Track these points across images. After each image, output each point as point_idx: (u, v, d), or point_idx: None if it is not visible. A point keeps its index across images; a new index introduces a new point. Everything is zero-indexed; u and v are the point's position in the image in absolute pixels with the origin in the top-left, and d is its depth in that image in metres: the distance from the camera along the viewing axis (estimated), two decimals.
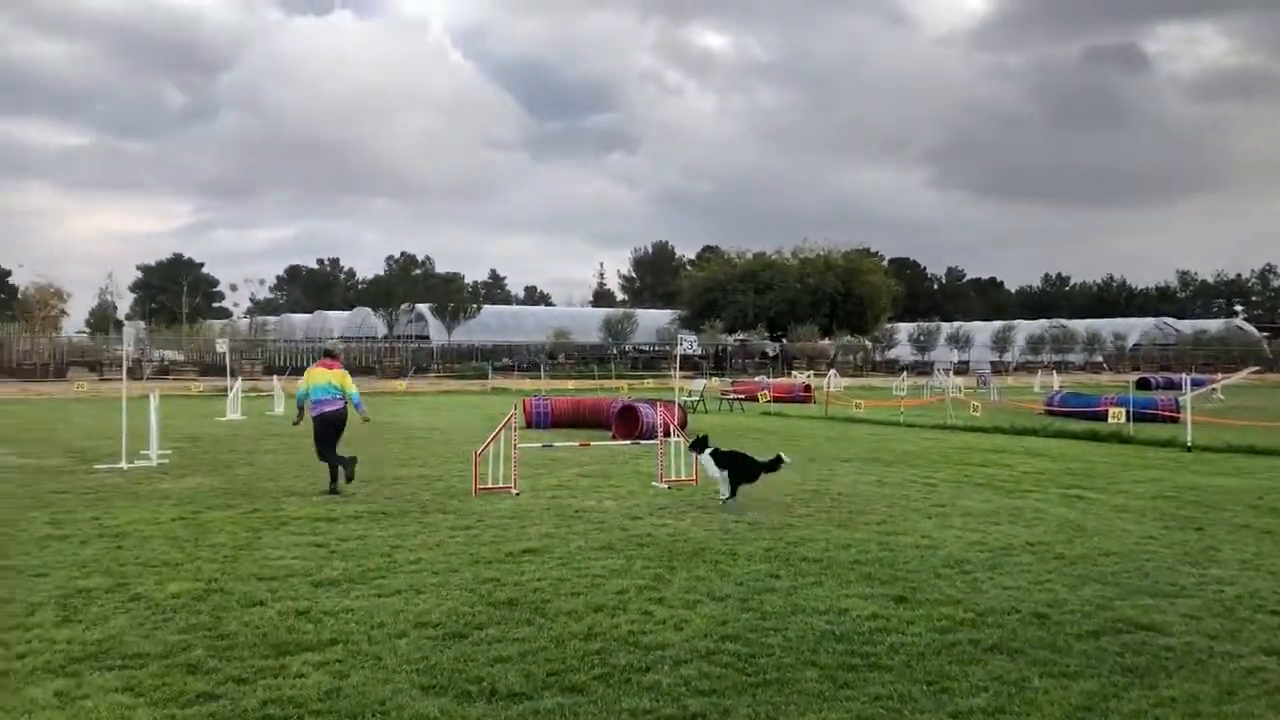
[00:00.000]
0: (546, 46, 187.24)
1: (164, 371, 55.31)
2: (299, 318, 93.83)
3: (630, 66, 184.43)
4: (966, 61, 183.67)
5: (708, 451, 11.66)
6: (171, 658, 5.76)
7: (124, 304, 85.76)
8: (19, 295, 75.36)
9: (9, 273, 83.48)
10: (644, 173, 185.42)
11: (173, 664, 5.66)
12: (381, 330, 73.03)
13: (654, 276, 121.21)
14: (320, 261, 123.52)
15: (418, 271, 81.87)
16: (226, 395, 27.70)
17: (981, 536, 9.72)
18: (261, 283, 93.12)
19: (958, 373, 49.66)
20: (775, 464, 11.46)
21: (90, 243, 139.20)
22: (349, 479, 12.32)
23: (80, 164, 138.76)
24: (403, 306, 71.18)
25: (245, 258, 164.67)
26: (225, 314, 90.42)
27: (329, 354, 13.68)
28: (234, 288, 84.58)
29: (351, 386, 12.78)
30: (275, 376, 37.37)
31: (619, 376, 54.34)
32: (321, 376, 12.73)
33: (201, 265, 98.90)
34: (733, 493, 11.35)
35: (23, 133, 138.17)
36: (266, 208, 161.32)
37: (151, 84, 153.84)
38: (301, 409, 12.80)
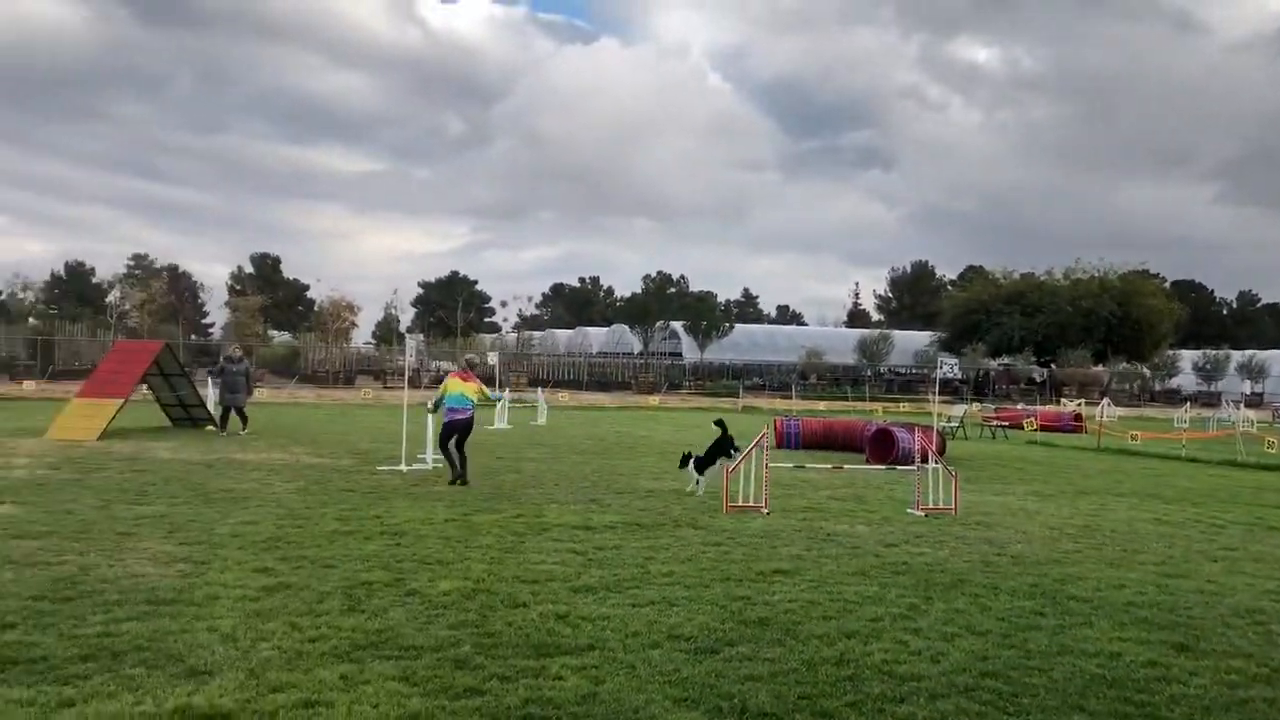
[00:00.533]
0: (804, 65, 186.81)
1: (439, 381, 59.00)
2: (561, 333, 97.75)
3: (889, 83, 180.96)
4: (1266, 68, 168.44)
5: (691, 464, 14.19)
6: (442, 651, 6.12)
7: (405, 317, 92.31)
8: (315, 308, 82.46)
9: (307, 287, 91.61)
10: (901, 190, 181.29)
11: (443, 658, 6.00)
12: (637, 346, 74.91)
13: (911, 296, 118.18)
14: (582, 279, 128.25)
15: (673, 290, 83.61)
16: (495, 405, 29.20)
17: (1279, 585, 8.85)
18: (530, 299, 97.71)
19: (1249, 405, 45.45)
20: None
21: (378, 261, 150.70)
22: (463, 478, 14.16)
23: (371, 188, 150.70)
24: (658, 324, 72.75)
25: (514, 276, 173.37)
26: (495, 328, 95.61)
27: (469, 365, 15.58)
28: (504, 304, 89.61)
29: (486, 392, 15.00)
30: (539, 389, 39.07)
31: (873, 399, 53.24)
32: (456, 387, 14.65)
33: (475, 282, 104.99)
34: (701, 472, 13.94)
35: (324, 159, 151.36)
36: (534, 229, 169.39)
37: (436, 114, 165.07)
38: (437, 407, 14.90)
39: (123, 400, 21.07)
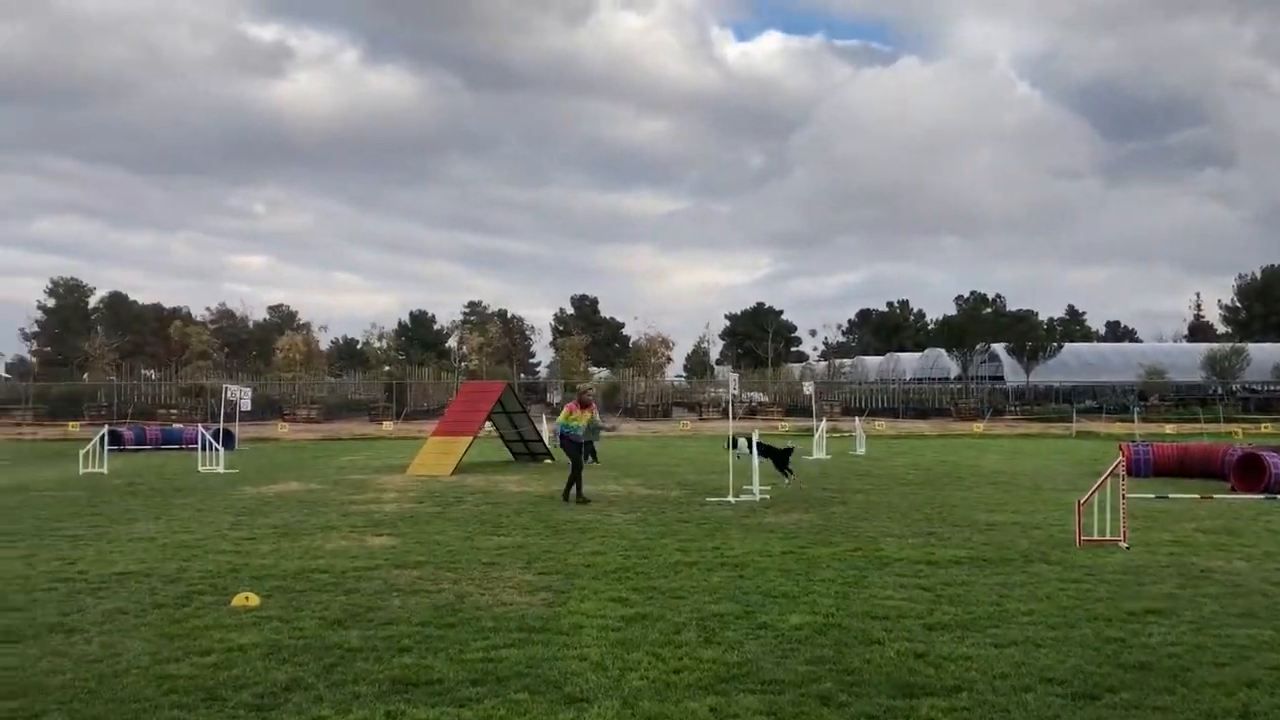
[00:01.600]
0: (1121, 63, 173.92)
1: (752, 412, 59.44)
2: (872, 360, 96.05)
3: (1222, 73, 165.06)
4: None
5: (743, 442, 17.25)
6: (805, 687, 6.09)
7: (715, 350, 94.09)
8: (631, 344, 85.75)
9: (623, 324, 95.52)
10: (1244, 189, 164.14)
11: (807, 693, 5.97)
12: (954, 371, 72.22)
13: (1264, 305, 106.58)
14: (890, 304, 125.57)
15: (989, 310, 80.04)
16: (812, 435, 29.06)
17: None
18: (837, 327, 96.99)
19: None
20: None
21: (687, 295, 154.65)
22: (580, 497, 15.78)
23: (677, 226, 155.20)
24: (976, 346, 69.82)
25: (819, 303, 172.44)
26: (802, 357, 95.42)
27: (583, 398, 17.55)
28: (813, 333, 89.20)
29: (594, 419, 17.72)
30: (856, 418, 38.51)
31: (1228, 420, 48.37)
32: (568, 416, 16.95)
33: (781, 312, 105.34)
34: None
35: (634, 203, 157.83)
36: (836, 255, 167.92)
37: (735, 149, 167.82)
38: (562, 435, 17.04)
39: (472, 437, 22.76)
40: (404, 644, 7.05)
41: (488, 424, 25.58)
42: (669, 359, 75.48)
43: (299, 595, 8.73)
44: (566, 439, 16.85)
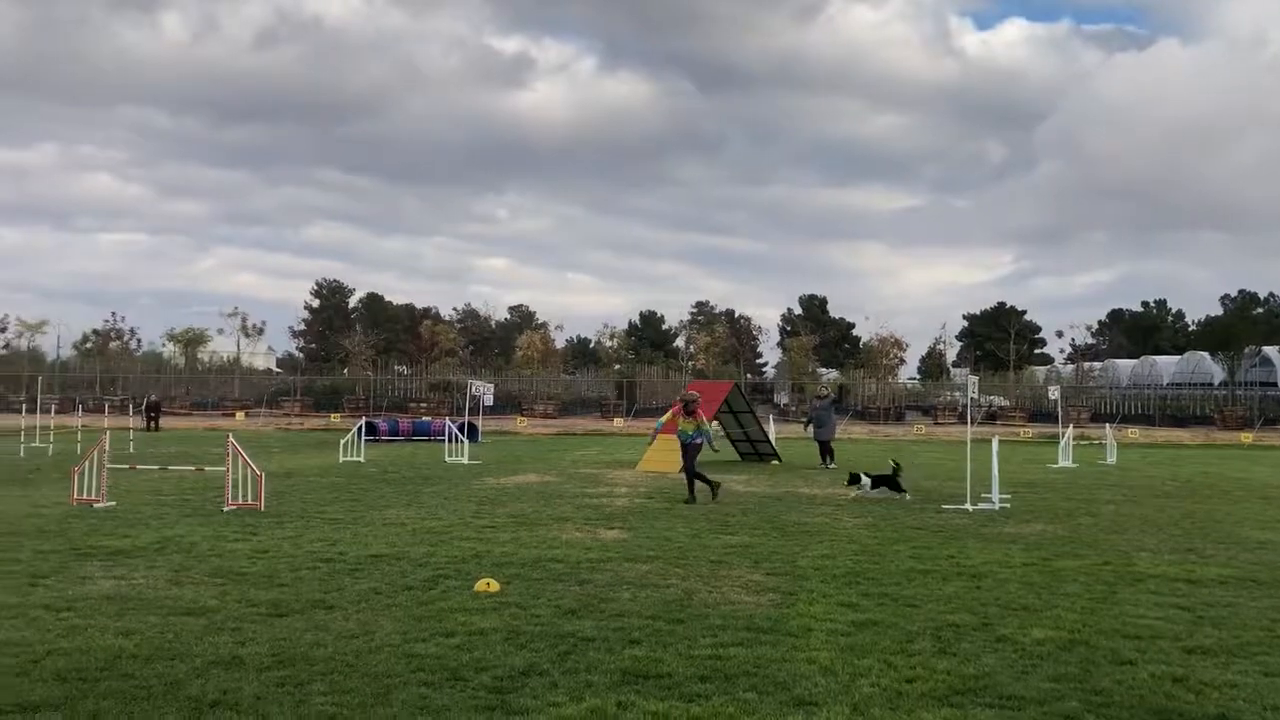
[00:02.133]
0: None
1: (992, 416, 57.13)
2: (1124, 363, 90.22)
3: None
4: None
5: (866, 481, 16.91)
6: (1046, 705, 5.78)
7: (951, 352, 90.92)
8: (861, 345, 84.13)
9: (853, 325, 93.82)
10: None
11: (1049, 712, 5.67)
12: (1219, 376, 66.85)
13: None
14: (1145, 304, 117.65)
15: (1259, 310, 73.61)
16: (1057, 442, 27.62)
17: None
18: (1086, 328, 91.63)
19: None
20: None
21: (921, 295, 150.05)
22: (713, 497, 15.97)
23: (912, 223, 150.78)
24: (1245, 349, 64.38)
25: (1065, 303, 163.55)
26: (1046, 360, 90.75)
27: (687, 403, 16.99)
28: (1059, 334, 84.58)
29: (704, 425, 16.87)
30: (1106, 424, 36.34)
31: None
32: (677, 420, 16.92)
33: (1023, 312, 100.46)
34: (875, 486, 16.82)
35: (865, 199, 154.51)
36: (1084, 252, 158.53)
37: (975, 143, 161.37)
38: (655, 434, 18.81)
39: None
40: (634, 636, 7.18)
41: (715, 423, 25.72)
42: (902, 360, 73.46)
43: (536, 583, 9.06)
44: (681, 443, 16.81)
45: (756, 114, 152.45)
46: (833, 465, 23.33)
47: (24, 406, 42.71)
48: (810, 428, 25.00)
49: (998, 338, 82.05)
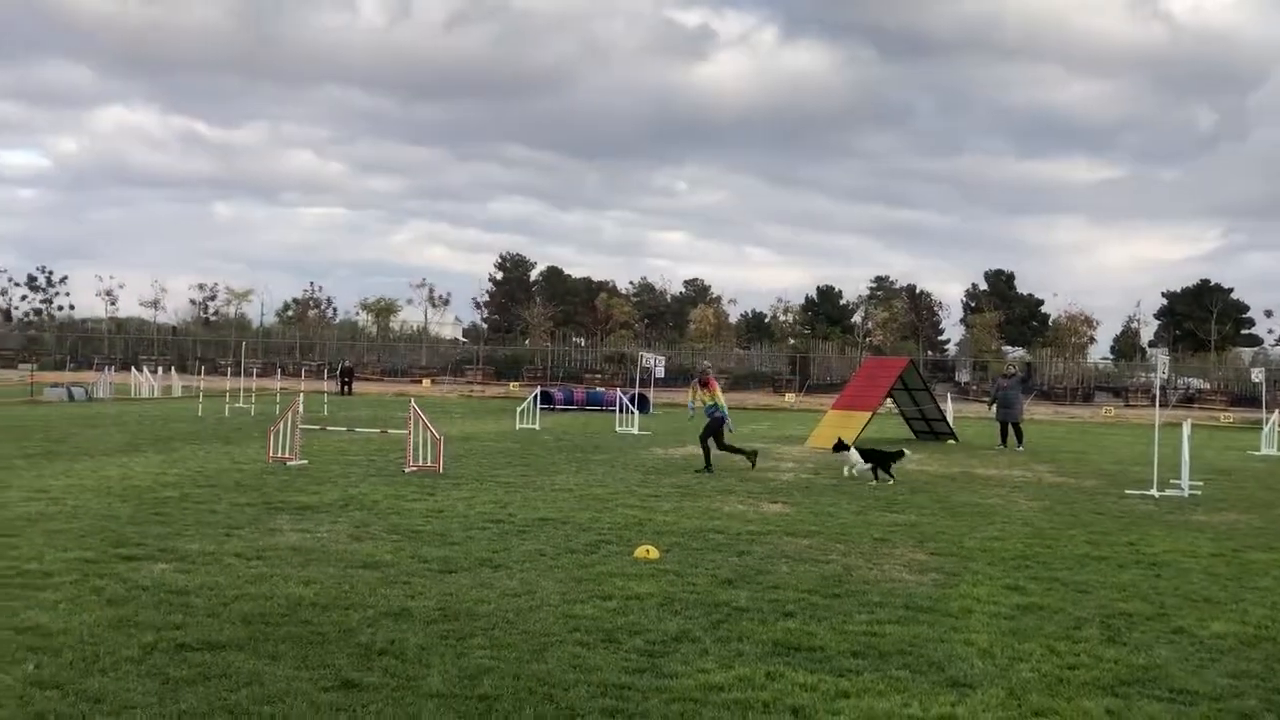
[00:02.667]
0: None
1: (1189, 400, 53.96)
2: None
3: None
4: None
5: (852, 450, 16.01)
6: (1222, 701, 5.48)
7: (1147, 331, 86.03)
8: (1050, 323, 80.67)
9: (1041, 302, 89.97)
10: None
11: (1224, 709, 5.37)
12: None
13: None
14: None
15: None
16: (1260, 428, 25.86)
17: None
18: None
19: None
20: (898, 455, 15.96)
21: (1118, 271, 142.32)
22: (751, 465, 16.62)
23: (1111, 196, 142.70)
24: None
25: (1277, 281, 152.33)
26: (1255, 341, 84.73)
27: (702, 377, 17.06)
28: (1268, 313, 78.78)
29: (720, 401, 16.76)
30: None
31: None
32: (697, 393, 17.08)
33: (1230, 290, 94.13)
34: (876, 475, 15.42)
35: (1061, 171, 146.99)
36: None
37: (1183, 110, 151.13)
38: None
39: (871, 413, 22.58)
40: (789, 609, 7.18)
41: (889, 401, 25.25)
42: (1092, 339, 70.22)
43: (695, 552, 9.15)
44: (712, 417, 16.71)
45: (945, 82, 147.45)
46: (1021, 449, 22.41)
47: (230, 369, 45.76)
48: (994, 407, 24.09)
49: (1199, 317, 77.15)
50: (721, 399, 16.86)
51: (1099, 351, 75.68)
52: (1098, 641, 6.60)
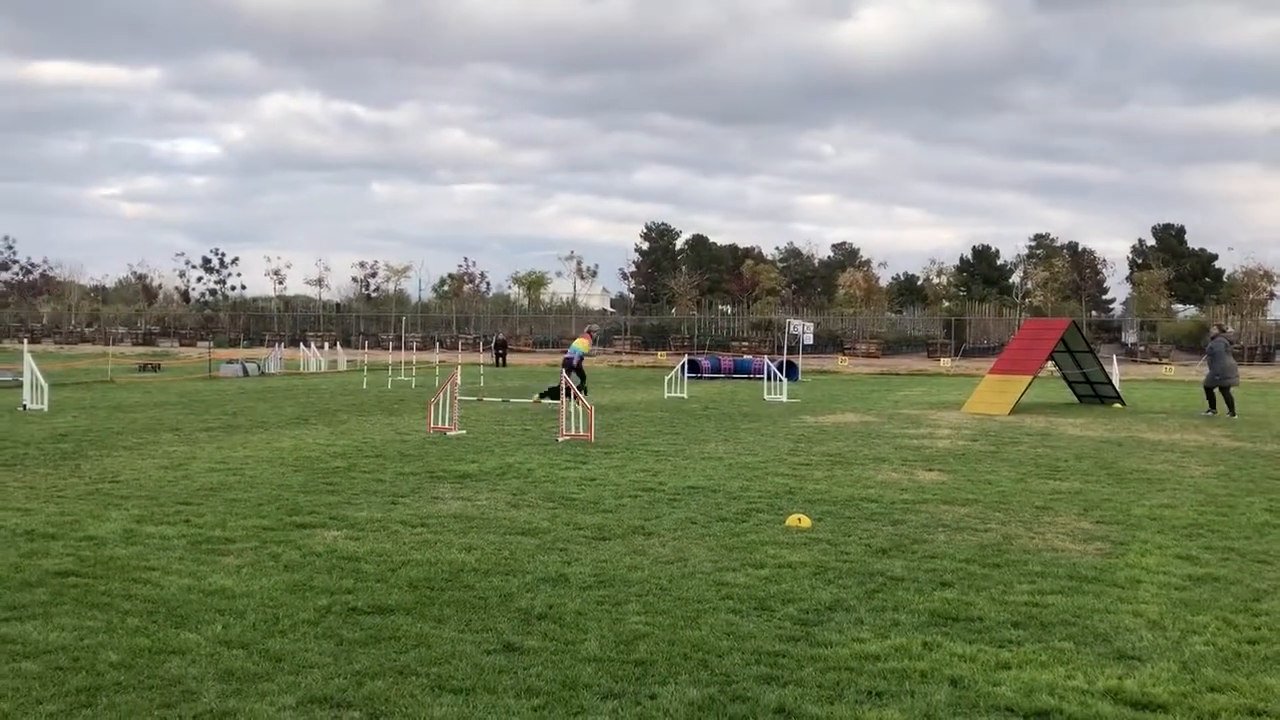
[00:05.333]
0: None
1: None
2: None
3: None
4: None
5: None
6: None
7: None
8: (1224, 279, 76.23)
9: (1215, 257, 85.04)
10: None
11: None
12: None
13: None
14: None
15: None
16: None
17: None
18: None
19: None
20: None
21: None
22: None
23: None
24: None
25: None
26: None
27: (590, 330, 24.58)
28: None
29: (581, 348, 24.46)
30: None
31: None
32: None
33: None
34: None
35: (1235, 116, 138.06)
36: None
37: None
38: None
39: (1032, 377, 21.84)
40: (946, 579, 7.05)
41: (1050, 363, 24.37)
42: (1272, 295, 65.88)
43: (847, 521, 9.07)
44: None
45: (1108, 29, 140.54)
46: (1234, 416, 20.38)
47: (391, 344, 47.47)
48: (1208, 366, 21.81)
49: None
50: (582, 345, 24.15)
51: None
52: None
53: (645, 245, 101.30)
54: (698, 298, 77.20)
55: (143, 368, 37.47)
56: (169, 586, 6.62)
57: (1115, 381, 25.19)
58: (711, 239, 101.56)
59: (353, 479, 11.19)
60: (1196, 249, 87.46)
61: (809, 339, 33.14)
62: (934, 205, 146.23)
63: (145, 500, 9.70)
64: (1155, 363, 49.66)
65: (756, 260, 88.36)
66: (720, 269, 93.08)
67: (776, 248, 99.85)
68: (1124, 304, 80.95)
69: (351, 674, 5.07)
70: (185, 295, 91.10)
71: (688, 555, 7.66)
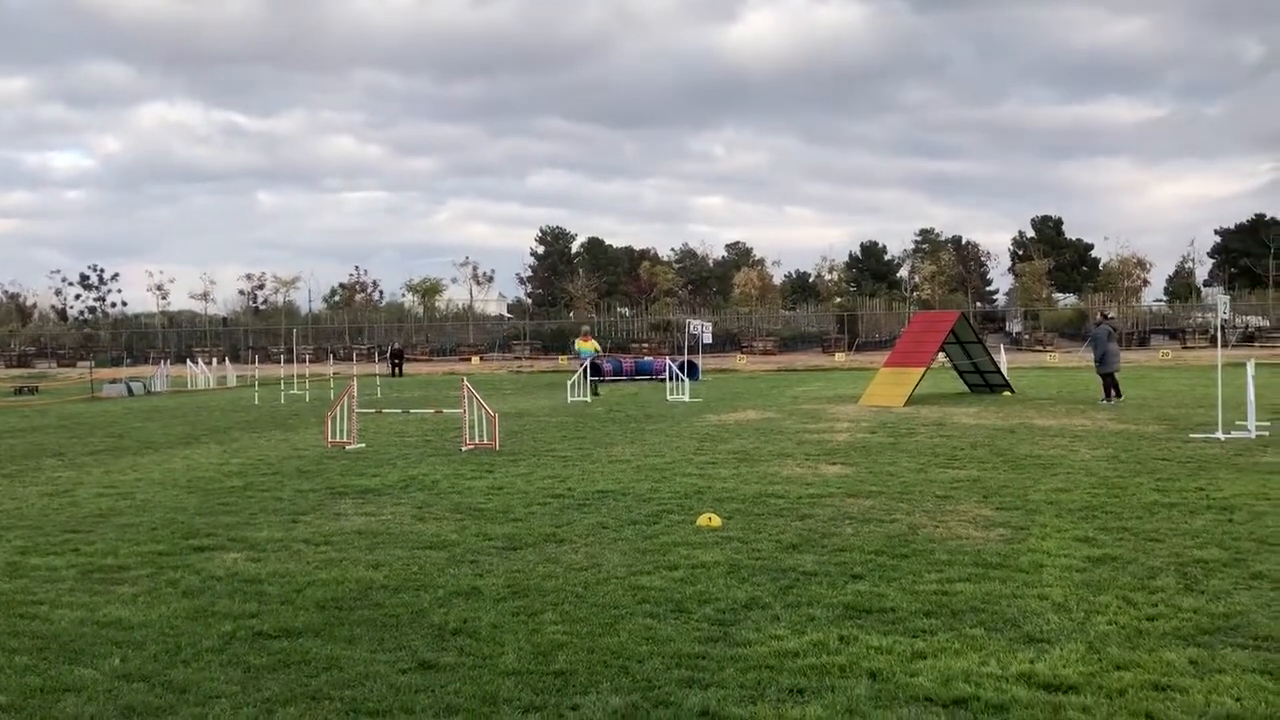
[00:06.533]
0: None
1: (1249, 339, 52.89)
2: None
3: None
4: None
5: None
6: None
7: (1202, 270, 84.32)
8: (1100, 267, 79.28)
9: (1091, 246, 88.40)
10: None
11: None
12: None
13: None
14: None
15: None
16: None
17: None
18: None
19: None
20: None
21: (1167, 211, 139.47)
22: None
23: (1157, 135, 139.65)
24: None
25: None
26: None
27: (586, 331, 27.94)
28: None
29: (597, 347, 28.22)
30: None
31: None
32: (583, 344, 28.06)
33: None
34: None
35: (1105, 112, 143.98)
36: None
37: (1227, 43, 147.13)
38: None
39: (924, 368, 22.36)
40: (857, 571, 7.13)
41: (941, 355, 24.99)
42: (1145, 282, 68.91)
43: (757, 518, 9.12)
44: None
45: (982, 29, 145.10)
46: (1119, 400, 20.90)
47: (283, 357, 46.30)
48: (1090, 351, 22.23)
49: (1256, 253, 75.39)
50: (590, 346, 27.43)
51: (1153, 294, 74.41)
52: (1175, 591, 6.49)
53: (541, 249, 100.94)
54: (596, 300, 77.19)
55: (19, 390, 35.81)
56: (60, 620, 6.30)
57: (1004, 370, 25.96)
58: (607, 241, 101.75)
59: (250, 498, 10.85)
60: (1074, 239, 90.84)
61: (708, 338, 33.37)
62: (823, 203, 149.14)
63: (29, 530, 9.24)
64: (1039, 350, 51.43)
65: (653, 262, 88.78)
66: (617, 271, 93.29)
67: (672, 249, 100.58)
68: (1008, 294, 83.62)
69: (261, 702, 4.89)
70: (62, 314, 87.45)
71: (601, 561, 7.60)
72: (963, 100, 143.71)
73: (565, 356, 54.54)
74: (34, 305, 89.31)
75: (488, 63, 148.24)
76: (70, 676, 5.28)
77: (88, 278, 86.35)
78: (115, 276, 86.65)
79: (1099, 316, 24.95)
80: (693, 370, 30.90)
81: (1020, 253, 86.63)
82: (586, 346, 27.99)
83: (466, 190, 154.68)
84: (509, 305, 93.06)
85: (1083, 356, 31.07)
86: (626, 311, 78.53)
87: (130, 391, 33.73)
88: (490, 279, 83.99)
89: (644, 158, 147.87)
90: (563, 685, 5.05)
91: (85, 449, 16.14)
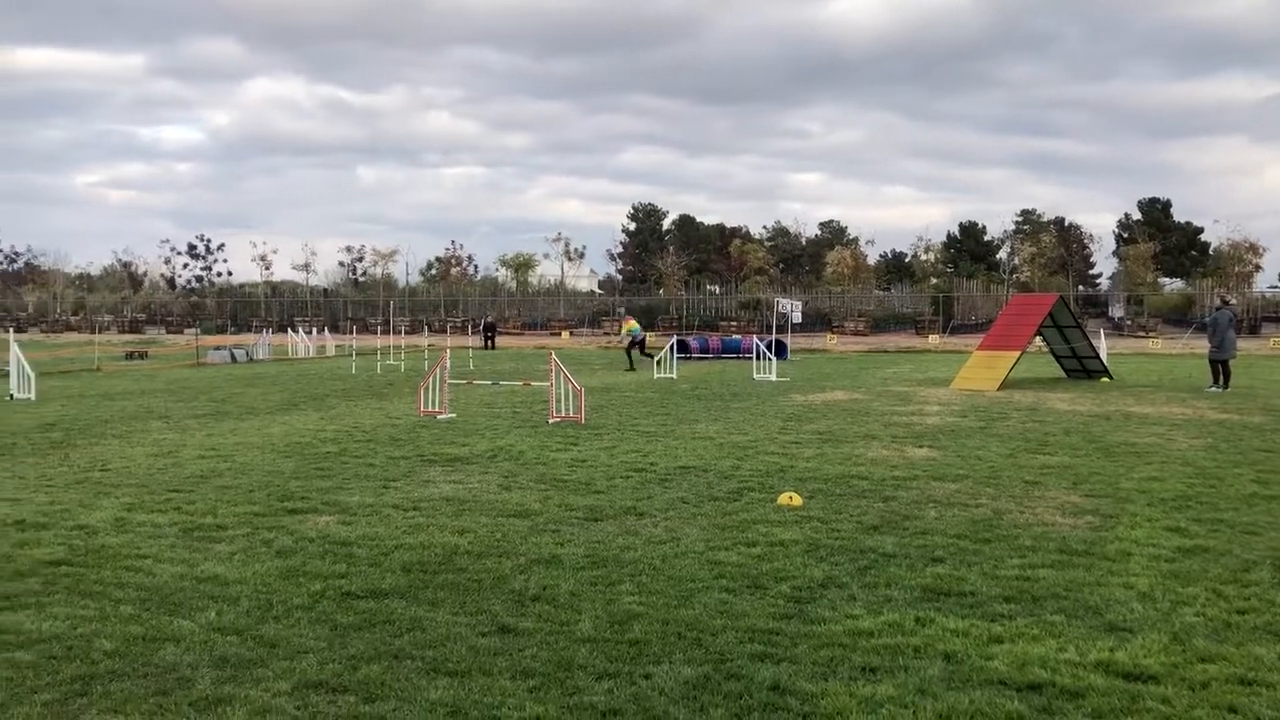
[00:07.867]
0: None
1: None
2: None
3: None
4: None
5: None
6: None
7: None
8: (1210, 252, 76.46)
9: (1201, 230, 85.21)
10: None
11: None
12: None
13: None
14: None
15: None
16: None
17: None
18: None
19: None
20: None
21: None
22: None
23: (1273, 113, 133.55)
24: None
25: None
26: None
27: (629, 311, 32.93)
28: None
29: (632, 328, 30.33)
30: None
31: None
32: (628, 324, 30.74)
33: None
34: None
35: (1219, 90, 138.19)
36: None
37: None
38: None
39: (1020, 352, 21.91)
40: (938, 554, 7.08)
41: (1038, 339, 24.44)
42: (1258, 267, 66.22)
43: (838, 499, 9.10)
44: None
45: (1092, 4, 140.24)
46: (1227, 388, 20.19)
47: (380, 328, 47.34)
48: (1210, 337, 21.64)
49: None
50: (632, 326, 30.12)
51: (1265, 280, 71.42)
52: (1269, 585, 6.31)
53: (632, 226, 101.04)
54: (685, 278, 77.14)
55: (130, 355, 37.29)
56: (161, 574, 6.62)
57: (1102, 356, 25.29)
58: (698, 219, 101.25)
59: (344, 464, 11.17)
60: (1183, 222, 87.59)
61: (797, 317, 33.18)
62: (921, 182, 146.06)
63: (136, 488, 9.67)
64: (1142, 336, 49.86)
65: (744, 240, 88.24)
66: (708, 249, 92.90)
67: (764, 227, 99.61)
68: (1111, 278, 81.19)
69: (346, 658, 5.08)
70: (171, 282, 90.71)
71: (680, 535, 7.68)
72: (1068, 77, 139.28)
73: (653, 333, 54.68)
74: (145, 274, 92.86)
75: (583, 40, 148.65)
76: (170, 627, 5.55)
77: (195, 247, 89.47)
78: (221, 246, 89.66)
79: (1219, 302, 24.05)
80: (780, 349, 30.73)
81: (1125, 235, 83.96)
82: (632, 326, 30.92)
83: (559, 167, 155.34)
84: (599, 281, 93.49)
85: (1187, 344, 30.05)
86: (716, 289, 78.35)
87: (233, 358, 34.87)
88: (581, 255, 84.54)
89: (736, 134, 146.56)
90: (637, 654, 5.13)
91: (189, 413, 16.77)
